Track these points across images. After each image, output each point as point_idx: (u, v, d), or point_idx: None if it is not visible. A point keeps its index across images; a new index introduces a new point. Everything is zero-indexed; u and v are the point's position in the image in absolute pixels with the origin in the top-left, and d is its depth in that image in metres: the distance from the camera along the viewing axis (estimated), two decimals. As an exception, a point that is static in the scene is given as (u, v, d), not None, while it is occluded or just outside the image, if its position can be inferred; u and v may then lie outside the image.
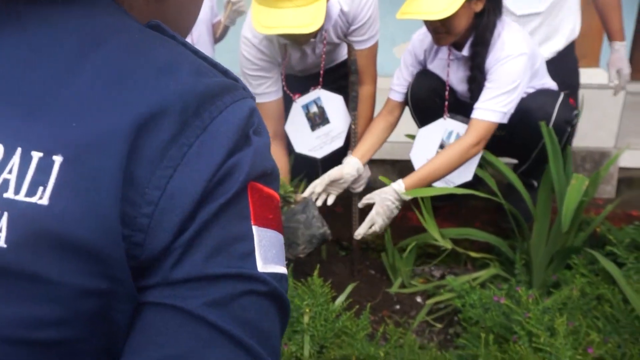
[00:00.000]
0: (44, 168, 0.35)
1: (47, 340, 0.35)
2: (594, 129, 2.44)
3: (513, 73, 1.52)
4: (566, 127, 1.63)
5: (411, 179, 1.57)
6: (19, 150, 0.36)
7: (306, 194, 1.68)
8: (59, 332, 0.35)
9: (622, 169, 2.58)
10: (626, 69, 1.97)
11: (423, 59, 1.77)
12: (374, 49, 1.76)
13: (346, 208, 2.09)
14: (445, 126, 1.70)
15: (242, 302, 0.38)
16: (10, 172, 0.35)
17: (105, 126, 0.36)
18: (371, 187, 1.82)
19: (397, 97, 1.82)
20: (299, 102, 1.78)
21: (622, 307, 1.22)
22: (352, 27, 1.67)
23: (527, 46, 1.55)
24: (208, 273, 0.37)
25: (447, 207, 1.95)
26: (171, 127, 0.37)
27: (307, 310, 1.08)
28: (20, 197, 0.35)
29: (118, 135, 0.36)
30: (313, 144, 1.82)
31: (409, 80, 1.78)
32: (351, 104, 1.74)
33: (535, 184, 1.76)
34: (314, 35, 1.58)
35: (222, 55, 3.39)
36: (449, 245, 1.70)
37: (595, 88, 2.39)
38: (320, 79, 1.77)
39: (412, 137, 1.82)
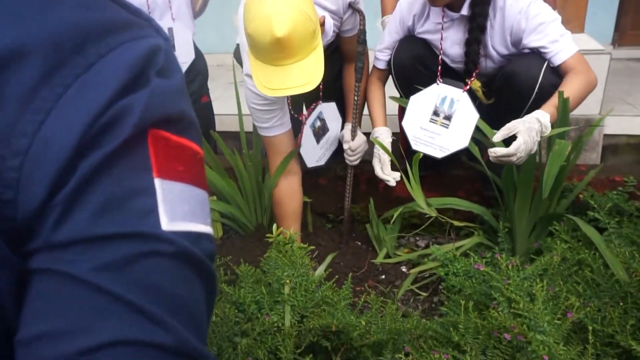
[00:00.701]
0: None
1: None
2: (579, 96, 2.42)
3: (547, 9, 1.50)
4: (552, 92, 1.61)
5: (551, 107, 1.45)
6: None
7: (391, 181, 1.68)
8: None
9: (607, 136, 2.58)
10: None
11: (412, 24, 1.72)
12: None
13: (330, 180, 2.07)
14: (438, 92, 1.65)
15: (144, 265, 0.33)
16: None
17: None
18: (365, 160, 1.81)
19: (382, 65, 1.79)
20: (308, 123, 1.80)
21: (602, 272, 1.23)
22: (344, 17, 1.66)
23: None
24: (97, 233, 0.32)
25: (430, 176, 1.94)
26: (41, 66, 0.32)
27: (288, 281, 1.07)
28: None
29: None
30: (318, 154, 1.86)
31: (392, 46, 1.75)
32: (356, 75, 1.73)
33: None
34: None
35: (208, 33, 3.29)
36: (433, 213, 1.69)
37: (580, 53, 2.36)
38: (321, 94, 1.77)
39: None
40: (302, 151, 1.81)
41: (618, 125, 2.56)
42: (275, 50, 1.24)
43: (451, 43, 1.67)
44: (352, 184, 1.87)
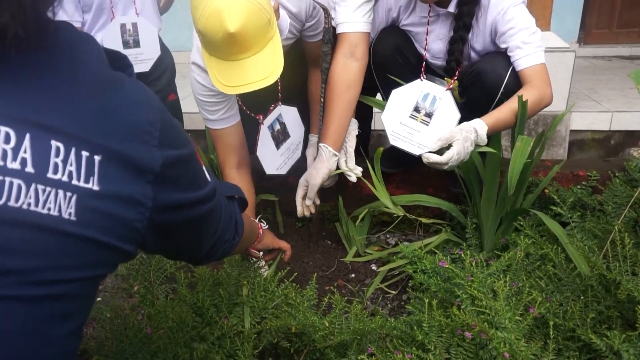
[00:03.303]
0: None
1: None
2: (545, 93, 2.45)
3: (525, 16, 1.50)
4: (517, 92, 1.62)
5: (491, 119, 1.44)
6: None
7: (352, 176, 1.63)
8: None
9: (573, 132, 2.63)
10: None
11: (397, 15, 1.70)
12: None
13: (299, 179, 2.04)
14: (421, 88, 1.62)
15: (220, 201, 0.79)
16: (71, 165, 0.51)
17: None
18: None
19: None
20: (265, 123, 1.69)
21: (565, 266, 1.23)
22: (307, 25, 1.58)
23: None
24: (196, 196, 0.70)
25: (399, 174, 1.93)
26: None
27: (245, 282, 1.04)
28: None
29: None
30: (279, 162, 1.75)
31: (374, 35, 1.71)
32: (322, 75, 1.66)
33: (486, 148, 1.75)
34: None
35: (179, 30, 3.23)
36: (400, 212, 1.68)
37: (546, 51, 2.39)
38: (279, 94, 1.68)
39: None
40: (259, 154, 1.72)
41: (583, 121, 2.61)
42: (229, 46, 1.18)
43: (434, 38, 1.66)
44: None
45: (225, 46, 1.18)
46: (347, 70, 1.58)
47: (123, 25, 2.01)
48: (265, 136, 1.71)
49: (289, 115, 1.73)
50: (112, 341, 0.96)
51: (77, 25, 1.97)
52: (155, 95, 0.61)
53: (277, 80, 1.61)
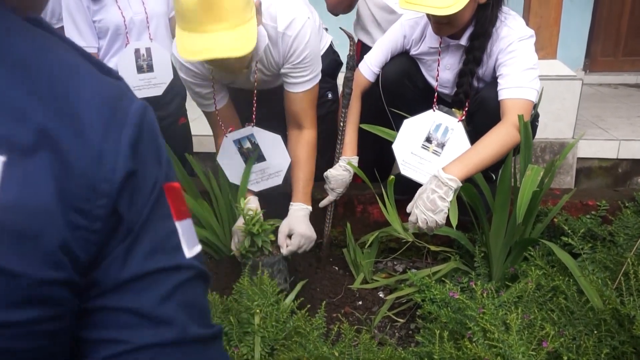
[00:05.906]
0: None
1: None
2: (553, 120, 2.47)
3: (529, 52, 1.50)
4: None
5: (457, 168, 1.41)
6: None
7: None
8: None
9: (580, 159, 2.63)
10: None
11: (409, 46, 1.73)
12: (314, 92, 1.59)
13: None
14: (434, 118, 1.64)
15: (185, 289, 0.43)
16: None
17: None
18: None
19: (370, 76, 1.76)
20: (230, 137, 1.68)
21: (577, 299, 1.22)
22: (286, 66, 1.50)
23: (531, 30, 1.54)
24: (150, 269, 0.41)
25: (408, 200, 1.93)
26: None
27: (258, 310, 1.03)
28: None
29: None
30: (250, 176, 1.73)
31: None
32: (344, 100, 1.68)
33: (494, 177, 1.75)
34: (245, 65, 1.45)
35: None
36: (410, 238, 1.68)
37: (553, 79, 2.42)
38: (253, 117, 1.66)
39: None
40: (220, 162, 1.72)
41: (590, 148, 2.61)
42: (202, 10, 1.13)
43: (442, 67, 1.68)
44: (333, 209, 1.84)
45: (198, 11, 1.13)
46: None
47: (137, 50, 2.05)
48: (228, 148, 1.71)
49: (267, 140, 1.68)
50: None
51: (93, 51, 2.02)
52: None
53: (252, 102, 1.63)
